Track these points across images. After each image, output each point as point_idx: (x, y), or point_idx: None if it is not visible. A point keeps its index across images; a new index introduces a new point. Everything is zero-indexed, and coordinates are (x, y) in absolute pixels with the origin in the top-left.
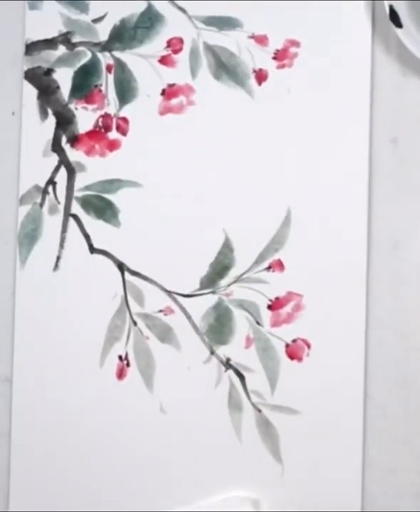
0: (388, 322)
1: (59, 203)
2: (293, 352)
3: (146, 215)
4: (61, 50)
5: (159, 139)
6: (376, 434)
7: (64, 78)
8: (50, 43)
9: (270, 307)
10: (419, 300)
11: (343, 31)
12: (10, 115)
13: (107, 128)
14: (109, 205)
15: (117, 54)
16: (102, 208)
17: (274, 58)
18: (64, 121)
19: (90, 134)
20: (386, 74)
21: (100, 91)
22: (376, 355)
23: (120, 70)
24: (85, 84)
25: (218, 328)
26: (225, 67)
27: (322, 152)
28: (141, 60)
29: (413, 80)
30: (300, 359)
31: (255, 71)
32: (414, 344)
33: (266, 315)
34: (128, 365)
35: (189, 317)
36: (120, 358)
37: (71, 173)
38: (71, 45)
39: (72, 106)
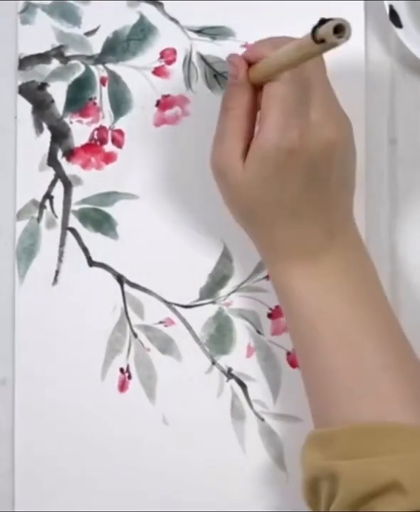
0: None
1: (56, 217)
2: (294, 360)
3: (144, 227)
4: (54, 63)
5: (155, 150)
6: None
7: (58, 92)
8: (43, 57)
9: (270, 315)
10: (418, 301)
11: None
12: (4, 131)
13: (103, 141)
14: (107, 218)
15: (110, 66)
16: (99, 220)
17: None
18: (59, 135)
19: (86, 147)
20: (386, 74)
21: (95, 104)
22: None
23: (114, 82)
24: (79, 97)
25: (218, 338)
26: (219, 76)
27: None
28: (135, 72)
29: (413, 79)
30: None
31: None
32: (415, 347)
33: (266, 323)
34: (130, 377)
35: (189, 328)
36: (122, 370)
37: (68, 186)
38: (64, 59)
39: (67, 119)
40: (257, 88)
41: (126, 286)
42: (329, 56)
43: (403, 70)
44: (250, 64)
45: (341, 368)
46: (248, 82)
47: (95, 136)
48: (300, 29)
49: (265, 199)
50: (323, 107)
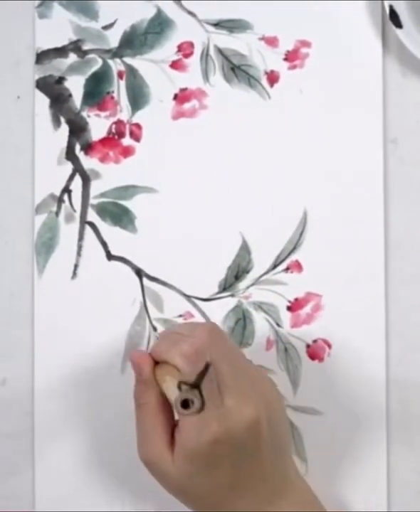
0: (408, 320)
1: (75, 211)
2: (314, 352)
3: (162, 221)
4: (72, 58)
5: (173, 143)
6: (400, 432)
7: (76, 86)
8: (60, 52)
9: (289, 308)
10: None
11: (353, 30)
12: (23, 125)
13: (121, 134)
14: (126, 212)
15: (128, 60)
16: (118, 214)
17: (285, 59)
18: (77, 129)
19: (104, 141)
20: (386, 74)
21: (112, 98)
22: (396, 353)
23: (132, 76)
24: (96, 91)
25: (238, 331)
26: (236, 69)
27: (337, 152)
28: (152, 66)
29: (413, 79)
30: (321, 359)
31: (266, 73)
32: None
33: (286, 316)
34: None
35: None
36: None
37: (86, 180)
38: (82, 53)
39: (84, 113)
40: None
41: (145, 280)
42: (345, 54)
43: (404, 70)
44: (156, 362)
45: None
46: (154, 379)
47: (113, 130)
48: (316, 22)
49: (200, 486)
50: (234, 389)
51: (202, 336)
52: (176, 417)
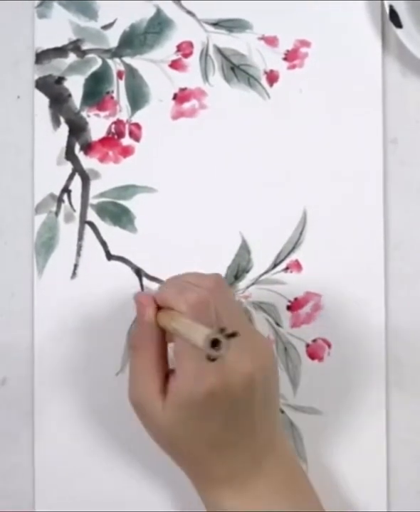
0: (407, 320)
1: (74, 210)
2: (314, 352)
3: (162, 220)
4: (71, 57)
5: (173, 143)
6: (399, 432)
7: (75, 86)
8: (60, 51)
9: (289, 308)
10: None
11: (353, 30)
12: (23, 125)
13: (120, 134)
14: (125, 212)
15: (127, 60)
16: (117, 214)
17: (285, 59)
18: (77, 128)
19: (103, 140)
20: (386, 74)
21: (112, 97)
22: (397, 353)
23: (131, 75)
24: (96, 91)
25: None
26: (236, 69)
27: (337, 152)
28: (152, 65)
29: (413, 79)
30: (320, 359)
31: (266, 72)
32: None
33: (286, 316)
34: None
35: None
36: None
37: (85, 180)
38: (81, 53)
39: (84, 113)
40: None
41: (145, 280)
42: (344, 54)
43: (404, 70)
44: (159, 307)
45: None
46: (156, 324)
47: (113, 130)
48: (316, 21)
49: (186, 437)
50: (234, 344)
51: (210, 286)
52: (171, 365)
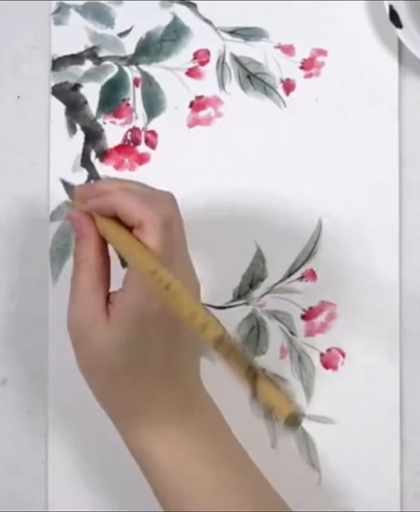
0: None
1: None
2: (328, 361)
3: None
4: (88, 64)
5: (188, 151)
6: (413, 442)
7: (91, 93)
8: (76, 58)
9: (303, 317)
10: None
11: (369, 38)
12: (38, 131)
13: (136, 142)
14: None
15: (143, 67)
16: None
17: (301, 68)
18: (93, 136)
19: (119, 148)
20: (402, 82)
21: (128, 105)
22: (411, 363)
23: (147, 83)
24: (112, 98)
25: (252, 339)
26: (252, 77)
27: (352, 161)
28: (168, 73)
29: (413, 80)
30: (335, 368)
31: (282, 81)
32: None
33: (300, 325)
34: None
35: None
36: None
37: None
38: (98, 60)
39: (100, 120)
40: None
41: None
42: (361, 62)
43: (403, 70)
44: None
45: None
46: (95, 233)
47: (129, 137)
48: (332, 30)
49: (129, 363)
50: (183, 264)
51: (172, 205)
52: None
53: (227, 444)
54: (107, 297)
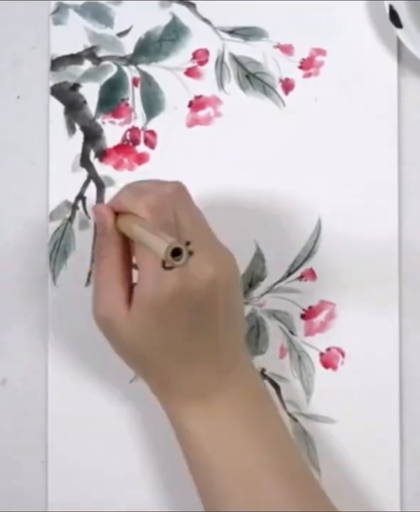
0: None
1: (89, 217)
2: (328, 361)
3: None
4: (87, 64)
5: (188, 151)
6: (413, 442)
7: (90, 93)
8: (75, 58)
9: (303, 316)
10: None
11: (368, 38)
12: (38, 131)
13: (135, 141)
14: None
15: (143, 67)
16: None
17: (300, 67)
18: (92, 135)
19: (118, 148)
20: (401, 81)
21: (127, 105)
22: (411, 362)
23: (147, 83)
24: (111, 98)
25: (252, 338)
26: (251, 77)
27: (351, 160)
28: (167, 73)
29: (412, 79)
30: (334, 368)
31: (281, 81)
32: None
33: (300, 324)
34: None
35: None
36: None
37: (100, 187)
38: (97, 60)
39: (99, 120)
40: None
41: None
42: (360, 62)
43: (403, 69)
44: (117, 213)
45: (242, 507)
46: (116, 231)
47: (128, 137)
48: (332, 30)
49: (152, 345)
50: (198, 246)
51: (169, 191)
52: (135, 280)
53: (261, 419)
54: (130, 289)
